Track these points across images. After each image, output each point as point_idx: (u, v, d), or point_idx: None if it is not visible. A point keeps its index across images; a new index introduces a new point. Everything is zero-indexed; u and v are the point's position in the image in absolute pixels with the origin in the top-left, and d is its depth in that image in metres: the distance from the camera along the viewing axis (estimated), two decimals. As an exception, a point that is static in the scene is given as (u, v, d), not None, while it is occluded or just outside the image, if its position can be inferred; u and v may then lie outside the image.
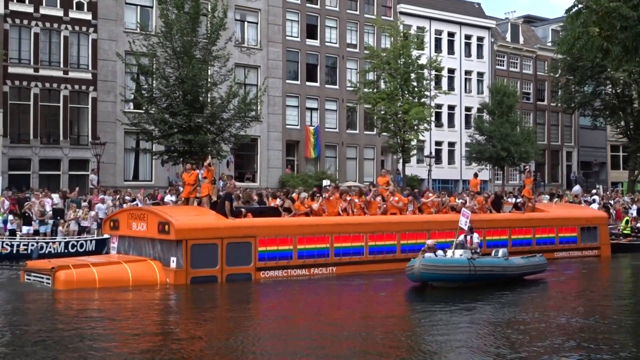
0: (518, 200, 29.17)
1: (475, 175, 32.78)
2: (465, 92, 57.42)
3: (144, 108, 33.41)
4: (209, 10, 33.58)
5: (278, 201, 23.11)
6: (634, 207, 42.59)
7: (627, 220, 32.54)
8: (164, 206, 25.38)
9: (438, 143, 55.25)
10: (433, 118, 47.94)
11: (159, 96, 32.84)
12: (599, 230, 28.12)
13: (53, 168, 38.47)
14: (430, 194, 26.65)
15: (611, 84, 53.75)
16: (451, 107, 56.39)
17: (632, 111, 54.43)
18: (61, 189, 34.22)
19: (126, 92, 36.86)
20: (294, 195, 23.83)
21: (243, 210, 21.50)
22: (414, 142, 43.75)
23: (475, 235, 20.66)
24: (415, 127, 41.23)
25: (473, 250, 19.78)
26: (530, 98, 61.68)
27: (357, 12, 50.67)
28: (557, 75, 57.67)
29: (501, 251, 20.31)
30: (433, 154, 51.39)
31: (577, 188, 45.62)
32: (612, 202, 39.86)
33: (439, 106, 53.78)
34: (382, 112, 41.42)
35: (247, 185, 39.06)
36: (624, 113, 54.53)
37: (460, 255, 18.94)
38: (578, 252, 27.27)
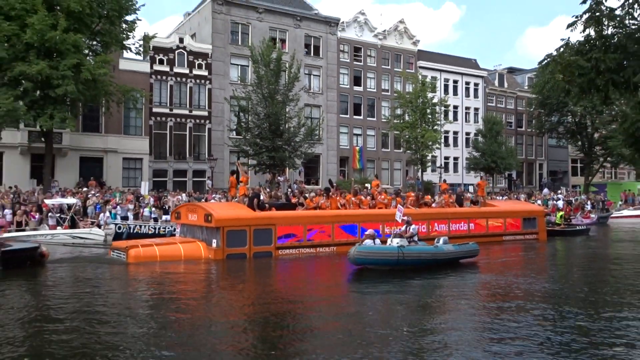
0: (475, 197, 27.33)
1: (444, 180, 31.49)
2: (466, 121, 56.31)
3: (242, 135, 33.88)
4: (287, 67, 33.86)
5: (295, 199, 21.95)
6: (589, 202, 40.97)
7: (561, 215, 30.88)
8: (209, 202, 24.32)
9: (446, 157, 54.28)
10: (443, 140, 47.33)
11: (252, 127, 33.17)
12: (537, 220, 26.25)
13: (182, 176, 39.22)
14: (412, 193, 25.15)
15: (571, 115, 53.38)
16: (455, 132, 55.38)
17: (587, 134, 53.95)
18: (187, 190, 34.98)
19: (230, 124, 37.35)
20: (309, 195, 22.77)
21: (267, 205, 20.16)
22: (429, 157, 43.17)
23: (413, 226, 17.44)
24: (430, 147, 40.71)
25: (409, 239, 16.83)
26: (512, 125, 60.14)
27: (389, 67, 50.31)
28: (531, 109, 56.73)
29: (442, 239, 17.35)
30: (443, 165, 50.60)
31: (546, 190, 44.42)
32: (572, 199, 38.94)
33: (447, 132, 52.92)
34: (407, 136, 41.00)
35: (312, 188, 39.16)
36: (580, 136, 54.18)
37: (397, 243, 16.17)
38: (521, 236, 25.37)
